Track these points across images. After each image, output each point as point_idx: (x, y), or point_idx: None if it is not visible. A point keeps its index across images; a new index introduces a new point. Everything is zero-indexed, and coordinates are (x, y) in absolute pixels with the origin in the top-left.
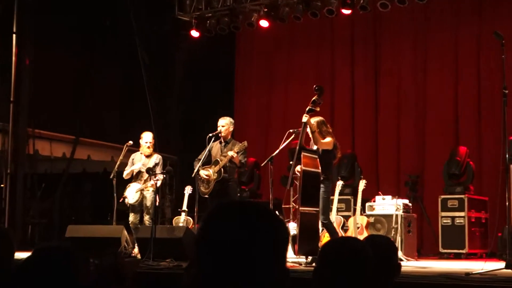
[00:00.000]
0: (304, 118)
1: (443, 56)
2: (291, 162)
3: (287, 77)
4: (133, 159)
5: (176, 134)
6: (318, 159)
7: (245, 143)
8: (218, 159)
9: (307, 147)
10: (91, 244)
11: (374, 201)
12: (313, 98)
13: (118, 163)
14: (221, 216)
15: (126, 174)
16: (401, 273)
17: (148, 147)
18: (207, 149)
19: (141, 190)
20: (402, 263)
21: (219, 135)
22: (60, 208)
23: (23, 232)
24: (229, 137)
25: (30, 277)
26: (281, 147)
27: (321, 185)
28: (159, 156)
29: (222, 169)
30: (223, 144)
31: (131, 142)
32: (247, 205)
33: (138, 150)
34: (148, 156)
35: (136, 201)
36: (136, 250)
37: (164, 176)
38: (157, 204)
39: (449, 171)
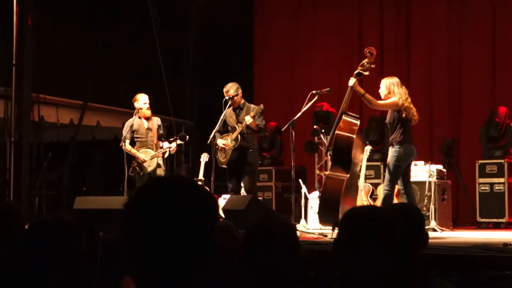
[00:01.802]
0: (351, 82)
1: (480, 12)
2: (315, 126)
3: (311, 39)
4: (131, 125)
5: (191, 98)
6: (358, 125)
7: (261, 106)
8: (236, 126)
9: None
10: (100, 216)
11: None
12: (363, 61)
13: (126, 127)
14: (143, 193)
15: (128, 147)
16: (433, 244)
17: (148, 109)
18: (222, 116)
19: (156, 157)
20: (436, 234)
21: (229, 103)
22: (69, 178)
23: (29, 205)
24: (242, 101)
25: (25, 254)
26: (303, 109)
27: (393, 150)
28: (158, 118)
29: (239, 136)
30: (237, 110)
31: (142, 106)
32: (168, 181)
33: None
34: (148, 119)
35: (154, 168)
36: None
37: (179, 142)
38: (163, 173)
39: (488, 133)
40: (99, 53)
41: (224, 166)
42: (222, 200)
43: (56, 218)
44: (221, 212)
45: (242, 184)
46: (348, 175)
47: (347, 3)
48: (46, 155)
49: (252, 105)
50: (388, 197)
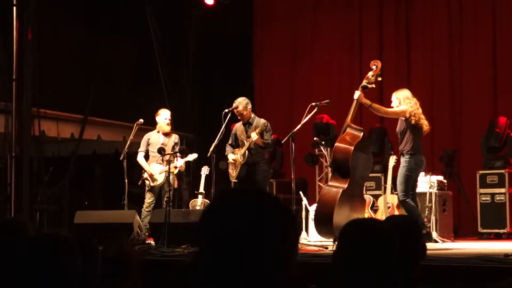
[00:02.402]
0: (356, 94)
1: (480, 20)
2: (315, 138)
3: (311, 45)
4: (148, 138)
5: (192, 110)
6: (360, 137)
7: (266, 123)
8: (245, 141)
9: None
10: (101, 230)
11: None
12: (369, 74)
13: (128, 143)
14: (223, 205)
15: (140, 159)
16: (433, 255)
17: (168, 124)
18: (223, 127)
19: (165, 172)
20: (437, 245)
21: (239, 118)
22: (70, 193)
23: (30, 220)
24: (251, 116)
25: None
26: (302, 121)
27: (403, 159)
28: (177, 136)
29: (247, 152)
30: (247, 125)
31: (141, 120)
32: (251, 192)
33: (152, 129)
34: (166, 135)
35: (162, 182)
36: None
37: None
38: (175, 186)
39: (488, 144)
40: (100, 66)
41: (234, 180)
42: None
43: (49, 234)
44: None
45: None
46: (347, 185)
47: (347, 6)
48: (47, 170)
49: (262, 120)
50: (409, 206)
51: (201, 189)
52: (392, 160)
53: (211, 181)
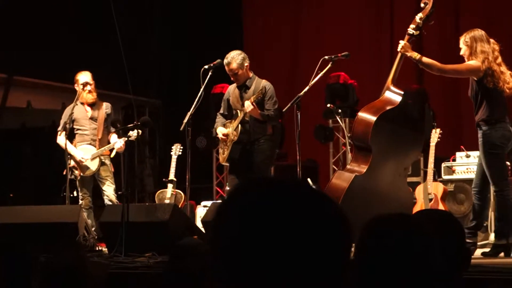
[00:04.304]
0: (400, 45)
1: None
2: (329, 105)
3: None
4: (72, 113)
5: (158, 66)
6: (396, 103)
7: (266, 86)
8: (238, 112)
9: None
10: (32, 233)
11: (454, 160)
12: (416, 16)
13: (65, 113)
14: (243, 203)
15: (60, 141)
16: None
17: (90, 91)
18: (201, 90)
19: (99, 156)
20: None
21: (232, 79)
22: None
23: None
24: (250, 75)
25: None
26: (312, 81)
27: (480, 134)
28: (109, 105)
29: (240, 126)
30: (243, 89)
31: (88, 81)
32: (284, 185)
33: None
34: (93, 106)
35: (96, 170)
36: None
37: (138, 132)
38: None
39: None
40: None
41: (225, 163)
42: (202, 209)
43: None
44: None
45: None
46: (365, 170)
47: None
48: None
49: (264, 81)
50: (504, 202)
51: (172, 176)
52: (435, 134)
53: (184, 164)
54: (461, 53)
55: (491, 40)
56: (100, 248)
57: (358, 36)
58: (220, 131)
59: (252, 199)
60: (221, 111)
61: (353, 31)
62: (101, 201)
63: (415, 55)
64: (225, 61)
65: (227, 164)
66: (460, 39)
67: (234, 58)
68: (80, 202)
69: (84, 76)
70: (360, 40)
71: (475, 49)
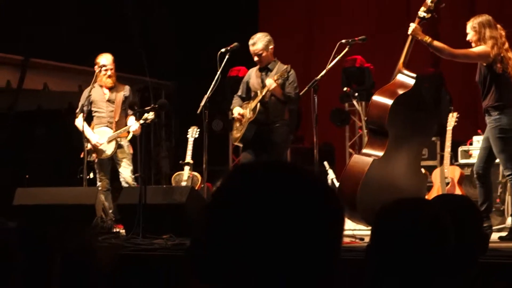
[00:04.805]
0: (410, 28)
1: None
2: (345, 89)
3: None
4: (90, 95)
5: (174, 49)
6: (410, 86)
7: (288, 67)
8: (257, 92)
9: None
10: (50, 215)
11: (471, 144)
12: (429, 0)
13: (84, 95)
14: (240, 182)
15: (78, 123)
16: (504, 248)
17: (109, 76)
18: (218, 72)
19: (115, 139)
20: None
21: (255, 60)
22: (5, 162)
23: None
24: (272, 59)
25: None
26: (329, 65)
27: (490, 119)
28: (128, 87)
29: (258, 106)
30: (265, 71)
31: (105, 63)
32: (281, 167)
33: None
34: (111, 89)
35: (111, 153)
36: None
37: (154, 113)
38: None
39: None
40: None
41: (237, 143)
42: None
43: None
44: None
45: None
46: (383, 153)
47: None
48: None
49: (286, 66)
50: None
51: (188, 158)
52: (452, 118)
53: (201, 147)
54: (468, 38)
55: (498, 26)
56: (117, 230)
57: (375, 19)
58: (237, 110)
59: (247, 182)
60: (239, 93)
61: (370, 14)
62: (119, 183)
63: (426, 38)
64: (250, 41)
65: (240, 145)
66: (467, 24)
67: (260, 39)
68: (98, 184)
69: (104, 59)
70: (377, 23)
71: (484, 35)
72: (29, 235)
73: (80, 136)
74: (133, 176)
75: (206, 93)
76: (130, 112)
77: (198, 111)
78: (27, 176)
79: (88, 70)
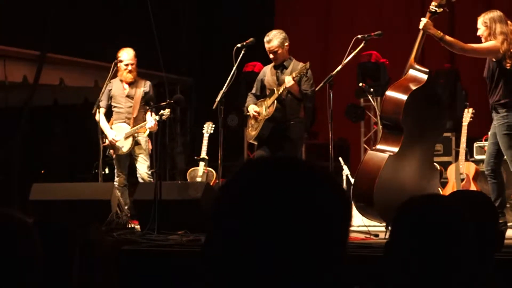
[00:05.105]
0: (422, 23)
1: None
2: (361, 84)
3: None
4: (110, 89)
5: (190, 44)
6: (423, 81)
7: (307, 64)
8: (274, 89)
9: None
10: (67, 210)
11: (486, 140)
12: None
13: (103, 90)
14: (248, 178)
15: (99, 118)
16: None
17: (130, 71)
18: (234, 68)
19: (133, 135)
20: None
21: (271, 58)
22: (22, 157)
23: None
24: (287, 56)
25: None
26: (345, 60)
27: (497, 116)
28: (148, 83)
29: (275, 103)
30: (280, 69)
31: (122, 58)
32: (291, 163)
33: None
34: (131, 84)
35: (128, 150)
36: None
37: (170, 109)
38: (149, 151)
39: None
40: None
41: (253, 141)
42: None
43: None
44: None
45: None
46: (398, 149)
47: None
48: None
49: (301, 64)
50: None
51: (203, 154)
52: (467, 114)
53: (216, 142)
54: (479, 33)
55: (509, 22)
56: (132, 226)
57: (390, 14)
58: (252, 108)
59: (252, 179)
60: (253, 91)
61: (385, 9)
62: (135, 178)
63: (438, 33)
64: (266, 38)
65: (255, 142)
66: (478, 20)
67: (276, 35)
68: (116, 179)
69: (126, 54)
70: (392, 19)
71: (494, 30)
72: (49, 229)
73: (94, 131)
74: (149, 173)
75: (221, 89)
76: (147, 108)
77: (214, 107)
78: (42, 171)
79: (104, 65)
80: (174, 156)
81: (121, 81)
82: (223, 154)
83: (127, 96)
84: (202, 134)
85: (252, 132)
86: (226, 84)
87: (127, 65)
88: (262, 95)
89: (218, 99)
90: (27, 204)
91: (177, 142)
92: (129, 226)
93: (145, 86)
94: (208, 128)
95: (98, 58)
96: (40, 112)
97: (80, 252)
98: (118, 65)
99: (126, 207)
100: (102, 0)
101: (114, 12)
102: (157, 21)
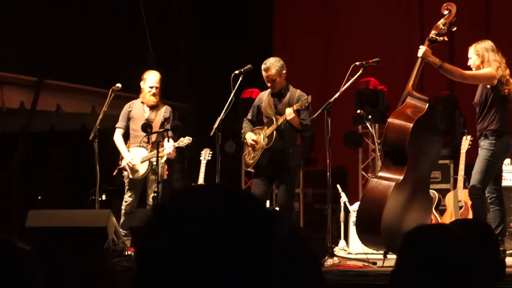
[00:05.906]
0: (420, 51)
1: None
2: (359, 111)
3: None
4: (130, 110)
5: (189, 72)
6: (424, 110)
7: (309, 98)
8: (273, 118)
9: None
10: (62, 237)
11: None
12: (439, 22)
13: (100, 116)
14: (169, 207)
15: (117, 139)
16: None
17: (154, 94)
18: (232, 94)
19: (149, 160)
20: None
21: (268, 85)
22: (20, 183)
23: None
24: (285, 84)
25: None
26: (343, 87)
27: (485, 142)
28: (169, 108)
29: (275, 133)
30: (278, 97)
31: (119, 85)
32: (211, 190)
33: (135, 97)
34: (153, 108)
35: (144, 174)
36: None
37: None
38: (165, 177)
39: None
40: (60, 11)
41: (250, 169)
42: None
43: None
44: None
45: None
46: (403, 177)
47: None
48: None
49: (299, 91)
50: (479, 206)
51: (201, 180)
52: (466, 141)
53: (214, 169)
54: (470, 63)
55: (499, 52)
56: (129, 253)
57: (388, 42)
58: (249, 136)
59: (183, 208)
60: (249, 117)
61: (383, 37)
62: (144, 205)
63: (437, 60)
64: (264, 66)
65: (252, 171)
66: (470, 49)
67: (274, 64)
68: (125, 202)
69: (151, 77)
70: (390, 46)
71: (488, 58)
72: (48, 255)
73: (91, 157)
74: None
75: (219, 115)
76: (170, 133)
77: (211, 133)
78: (39, 197)
79: (101, 91)
80: (172, 182)
81: (142, 103)
82: (221, 181)
83: (147, 119)
84: (200, 160)
85: (249, 160)
86: (223, 111)
87: (151, 87)
88: (257, 121)
89: (215, 125)
90: (24, 231)
91: (175, 168)
92: (126, 253)
93: (165, 112)
94: (205, 155)
95: (95, 84)
96: (37, 138)
97: (82, 283)
98: (142, 86)
99: (123, 233)
100: (99, 27)
101: (112, 38)
102: (155, 47)
